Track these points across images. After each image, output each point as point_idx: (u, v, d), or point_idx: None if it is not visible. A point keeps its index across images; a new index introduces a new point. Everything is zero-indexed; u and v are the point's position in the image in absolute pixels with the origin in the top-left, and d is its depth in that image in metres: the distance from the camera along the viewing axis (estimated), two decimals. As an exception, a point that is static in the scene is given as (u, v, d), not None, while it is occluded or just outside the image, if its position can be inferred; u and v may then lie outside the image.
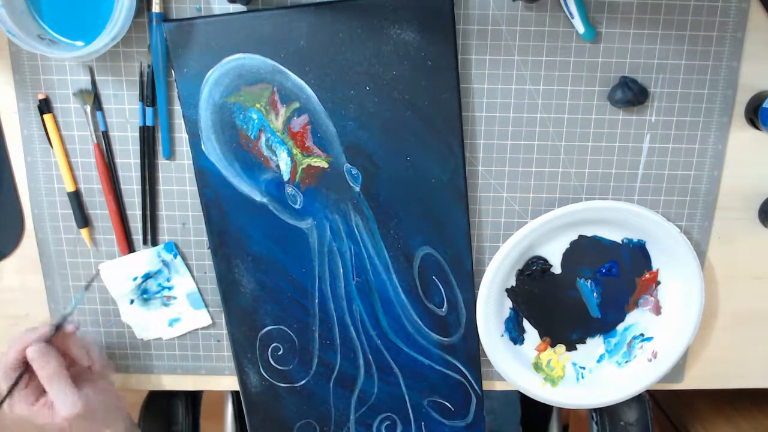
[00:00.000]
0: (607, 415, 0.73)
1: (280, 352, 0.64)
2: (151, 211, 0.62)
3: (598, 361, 0.67)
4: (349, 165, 0.58)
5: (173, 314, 0.66)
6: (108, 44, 0.53)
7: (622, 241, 0.62)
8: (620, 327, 0.66)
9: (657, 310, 0.65)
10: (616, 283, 0.64)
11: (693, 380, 0.69)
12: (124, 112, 0.59)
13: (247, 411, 0.67)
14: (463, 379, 0.65)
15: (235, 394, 0.82)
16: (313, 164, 0.58)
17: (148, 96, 0.58)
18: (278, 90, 0.56)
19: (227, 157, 0.58)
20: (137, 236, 0.63)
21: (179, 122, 0.60)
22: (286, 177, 0.59)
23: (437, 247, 0.61)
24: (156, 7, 0.55)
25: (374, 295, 0.62)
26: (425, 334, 0.64)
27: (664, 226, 0.60)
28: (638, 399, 0.72)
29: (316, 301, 0.63)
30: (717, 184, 0.61)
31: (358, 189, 0.59)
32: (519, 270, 0.63)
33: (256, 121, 0.57)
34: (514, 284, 0.64)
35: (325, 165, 0.58)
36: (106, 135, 0.60)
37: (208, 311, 0.66)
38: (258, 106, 0.56)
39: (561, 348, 0.67)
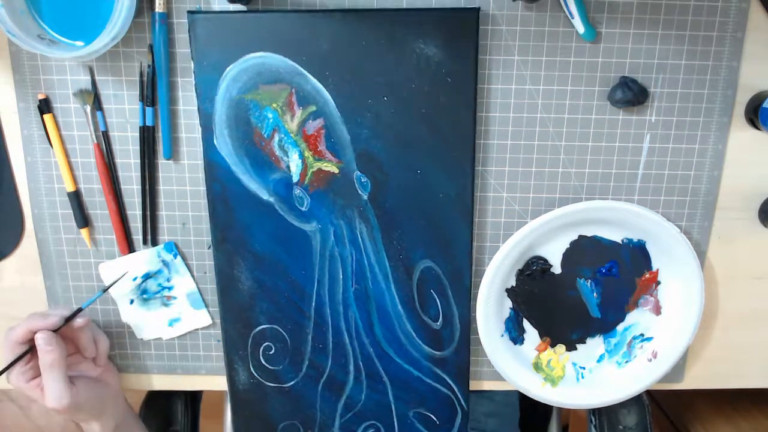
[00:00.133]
0: (606, 418, 0.73)
1: (271, 352, 0.64)
2: (151, 211, 0.62)
3: (598, 361, 0.67)
4: (359, 172, 0.58)
5: (173, 314, 0.66)
6: (108, 44, 0.53)
7: (622, 241, 0.62)
8: (620, 327, 0.66)
9: (657, 310, 0.65)
10: (616, 283, 0.64)
11: (693, 380, 0.69)
12: (124, 112, 0.59)
13: (232, 408, 0.67)
14: (450, 394, 0.66)
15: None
16: (323, 168, 0.58)
17: (148, 96, 0.58)
18: (296, 91, 0.56)
19: (238, 153, 0.58)
20: (137, 236, 0.63)
21: (180, 122, 0.60)
22: (295, 178, 0.59)
23: (438, 262, 0.61)
24: (159, 7, 0.55)
25: (371, 303, 0.62)
26: (418, 346, 0.64)
27: (664, 226, 0.60)
28: (638, 403, 0.72)
29: (313, 304, 0.63)
30: (717, 184, 0.61)
31: (365, 197, 0.59)
32: (519, 270, 0.63)
33: (271, 120, 0.57)
34: (514, 284, 0.64)
35: (336, 170, 0.58)
36: (106, 135, 0.60)
37: (208, 311, 0.66)
38: (274, 105, 0.57)
39: (561, 348, 0.67)
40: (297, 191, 0.59)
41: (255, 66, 0.56)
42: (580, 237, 0.62)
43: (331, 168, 0.58)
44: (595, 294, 0.64)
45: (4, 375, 0.56)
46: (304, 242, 0.61)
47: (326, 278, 0.62)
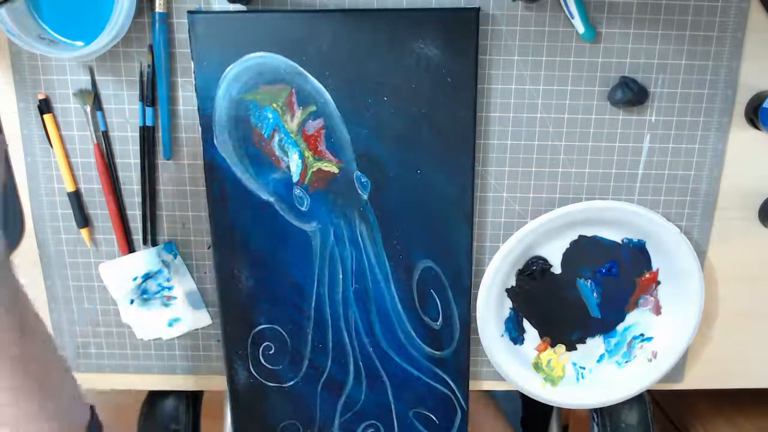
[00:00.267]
0: (608, 416, 0.73)
1: (271, 351, 0.64)
2: (151, 211, 0.62)
3: (598, 361, 0.67)
4: (359, 173, 0.58)
5: (173, 314, 0.66)
6: (108, 44, 0.53)
7: (622, 241, 0.62)
8: (620, 327, 0.66)
9: (657, 310, 0.65)
10: (616, 283, 0.64)
11: (693, 380, 0.69)
12: (124, 112, 0.59)
13: (232, 407, 0.67)
14: (450, 394, 0.66)
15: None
16: (323, 168, 0.58)
17: (148, 96, 0.58)
18: (296, 92, 0.56)
19: (238, 153, 0.58)
20: (137, 236, 0.63)
21: (180, 122, 0.60)
22: (295, 178, 0.59)
23: (438, 262, 0.61)
24: (159, 7, 0.55)
25: (371, 303, 0.63)
26: (417, 345, 0.64)
27: (664, 226, 0.60)
28: (639, 401, 0.72)
29: (313, 304, 0.63)
30: (717, 184, 0.61)
31: (365, 197, 0.59)
32: (519, 270, 0.63)
33: (271, 120, 0.57)
34: (514, 284, 0.64)
35: (336, 170, 0.58)
36: (106, 135, 0.60)
37: (208, 311, 0.66)
38: (274, 105, 0.57)
39: (561, 348, 0.67)
40: (297, 191, 0.59)
41: (255, 66, 0.56)
42: (580, 237, 0.62)
43: (331, 168, 0.58)
44: (595, 294, 0.64)
45: None
46: (304, 242, 0.61)
47: (326, 278, 0.62)
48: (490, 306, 0.63)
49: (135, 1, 0.53)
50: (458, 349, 0.64)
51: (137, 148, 0.60)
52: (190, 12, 0.55)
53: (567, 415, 0.88)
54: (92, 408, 0.52)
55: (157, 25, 0.55)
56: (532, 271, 0.63)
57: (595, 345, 0.67)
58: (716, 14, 0.56)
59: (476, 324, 0.64)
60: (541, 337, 0.66)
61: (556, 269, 0.63)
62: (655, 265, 0.64)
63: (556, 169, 0.61)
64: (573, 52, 0.57)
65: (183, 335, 0.67)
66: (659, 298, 0.65)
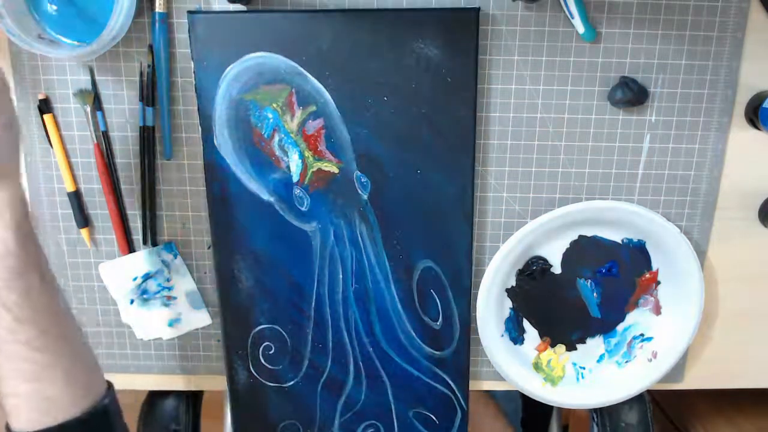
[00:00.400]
0: (608, 416, 0.73)
1: (271, 351, 0.64)
2: (151, 211, 0.62)
3: (598, 361, 0.67)
4: (359, 173, 0.58)
5: (173, 314, 0.66)
6: (108, 44, 0.53)
7: (622, 241, 0.62)
8: (620, 327, 0.66)
9: (657, 310, 0.65)
10: (616, 283, 0.64)
11: (693, 380, 0.69)
12: (124, 112, 0.59)
13: (232, 407, 0.67)
14: (450, 394, 0.66)
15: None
16: (323, 168, 0.58)
17: (148, 96, 0.58)
18: (296, 92, 0.56)
19: (238, 153, 0.58)
20: (137, 236, 0.63)
21: (180, 122, 0.60)
22: (295, 178, 0.59)
23: (438, 262, 0.61)
24: (159, 7, 0.55)
25: (371, 303, 0.63)
26: (417, 345, 0.64)
27: (664, 226, 0.60)
28: (639, 400, 0.72)
29: (313, 304, 0.63)
30: (717, 184, 0.61)
31: (366, 197, 0.59)
32: (519, 270, 0.63)
33: (271, 120, 0.57)
34: (514, 284, 0.64)
35: (336, 170, 0.58)
36: (106, 135, 0.60)
37: (208, 311, 0.66)
38: (274, 105, 0.57)
39: (561, 348, 0.67)
40: (297, 191, 0.59)
41: (255, 66, 0.56)
42: (580, 237, 0.62)
43: (331, 168, 0.58)
44: (595, 294, 0.64)
45: None
46: (304, 242, 0.61)
47: (326, 278, 0.62)
48: (490, 306, 0.63)
49: (135, 1, 0.53)
50: (458, 349, 0.64)
51: (137, 148, 0.60)
52: (190, 12, 0.55)
53: (567, 415, 0.88)
54: (110, 385, 0.53)
55: (157, 25, 0.55)
56: (532, 271, 0.63)
57: (595, 345, 0.67)
58: (716, 14, 0.56)
59: (476, 324, 0.64)
60: (541, 337, 0.66)
61: (556, 269, 0.63)
62: (655, 265, 0.64)
63: (556, 169, 0.61)
64: (573, 52, 0.57)
65: (183, 335, 0.67)
66: (659, 298, 0.65)
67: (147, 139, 0.60)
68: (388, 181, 0.59)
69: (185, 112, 0.59)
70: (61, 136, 0.60)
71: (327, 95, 0.56)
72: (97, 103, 0.59)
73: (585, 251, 0.63)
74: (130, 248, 0.64)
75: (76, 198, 0.62)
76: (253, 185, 0.59)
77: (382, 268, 0.61)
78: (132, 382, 0.69)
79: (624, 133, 0.60)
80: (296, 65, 0.55)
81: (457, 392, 0.66)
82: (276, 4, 0.56)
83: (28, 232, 0.47)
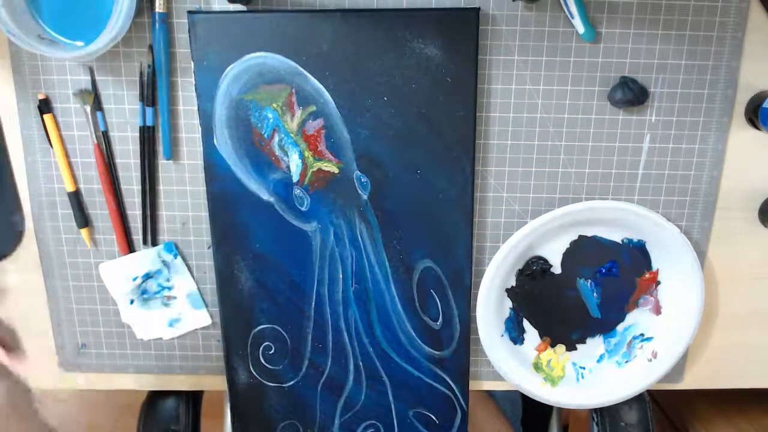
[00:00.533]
0: (608, 416, 0.73)
1: (271, 351, 0.64)
2: (151, 211, 0.62)
3: (598, 361, 0.67)
4: (359, 173, 0.58)
5: (173, 314, 0.66)
6: (108, 44, 0.53)
7: (622, 241, 0.62)
8: (620, 327, 0.66)
9: (657, 310, 0.65)
10: (616, 283, 0.64)
11: (693, 380, 0.69)
12: (124, 112, 0.59)
13: (232, 407, 0.67)
14: (450, 394, 0.66)
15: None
16: (323, 168, 0.58)
17: (148, 96, 0.58)
18: (296, 92, 0.56)
19: (238, 153, 0.58)
20: (137, 236, 0.63)
21: (180, 122, 0.60)
22: (295, 178, 0.59)
23: (438, 262, 0.61)
24: (159, 7, 0.55)
25: (371, 303, 0.63)
26: (418, 346, 0.64)
27: (664, 226, 0.60)
28: (639, 400, 0.72)
29: (313, 304, 0.63)
30: (717, 184, 0.61)
31: (366, 197, 0.59)
32: (519, 270, 0.63)
33: (271, 120, 0.57)
34: (514, 284, 0.64)
35: (336, 170, 0.58)
36: (106, 135, 0.60)
37: (208, 311, 0.66)
38: (275, 105, 0.57)
39: (561, 348, 0.67)
40: (297, 191, 0.59)
41: (255, 66, 0.56)
42: (580, 237, 0.62)
43: (331, 168, 0.58)
44: (595, 294, 0.64)
45: None
46: (304, 242, 0.61)
47: (326, 278, 0.62)
48: (490, 306, 0.63)
49: (135, 1, 0.53)
50: (458, 349, 0.64)
51: (137, 148, 0.60)
52: (190, 12, 0.55)
53: (567, 415, 0.88)
54: None
55: (157, 25, 0.56)
56: (532, 271, 0.63)
57: (595, 345, 0.67)
58: (716, 14, 0.56)
59: (476, 324, 0.64)
60: (541, 337, 0.66)
61: (556, 269, 0.63)
62: (655, 265, 0.64)
63: (556, 169, 0.61)
64: (573, 52, 0.57)
65: (183, 335, 0.67)
66: (659, 298, 0.65)
67: (147, 139, 0.60)
68: (388, 181, 0.59)
69: (185, 112, 0.59)
70: (61, 136, 0.60)
71: (327, 95, 0.56)
72: (97, 103, 0.59)
73: (585, 251, 0.63)
74: (130, 248, 0.64)
75: (76, 198, 0.62)
76: (253, 185, 0.59)
77: (382, 268, 0.61)
78: (132, 382, 0.69)
79: (624, 133, 0.60)
80: (296, 65, 0.56)
81: (457, 392, 0.66)
82: (276, 4, 0.56)
83: None
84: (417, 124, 0.57)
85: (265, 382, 0.66)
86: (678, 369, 0.68)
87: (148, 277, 0.64)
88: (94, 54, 0.53)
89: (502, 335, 0.65)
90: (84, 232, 0.63)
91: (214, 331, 0.67)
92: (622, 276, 0.64)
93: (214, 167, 0.58)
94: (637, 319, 0.66)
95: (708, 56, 0.57)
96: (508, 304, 0.65)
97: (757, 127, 0.59)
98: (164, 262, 0.64)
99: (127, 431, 0.76)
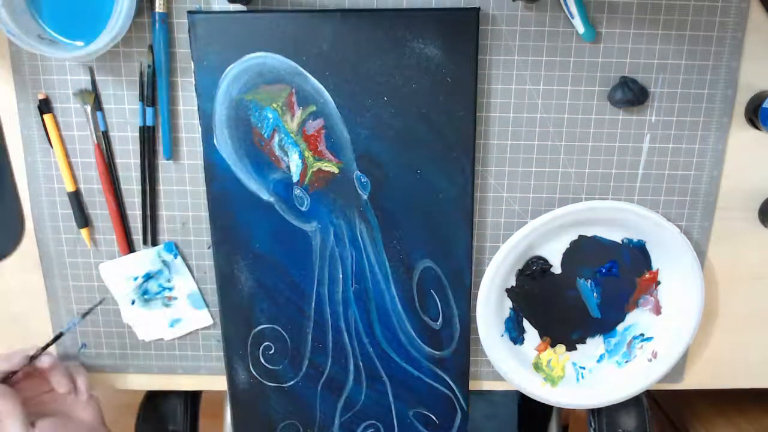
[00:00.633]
0: (606, 421, 0.73)
1: (271, 351, 0.64)
2: (151, 211, 0.62)
3: (598, 361, 0.67)
4: (359, 173, 0.58)
5: (174, 315, 0.66)
6: (108, 44, 0.53)
7: (622, 241, 0.62)
8: (620, 327, 0.66)
9: (657, 310, 0.65)
10: (616, 283, 0.64)
11: (693, 380, 0.69)
12: (124, 112, 0.59)
13: (232, 407, 0.67)
14: (450, 394, 0.66)
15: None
16: (323, 168, 0.58)
17: (148, 96, 0.58)
18: (296, 92, 0.56)
19: (238, 153, 0.58)
20: (137, 236, 0.63)
21: (180, 122, 0.60)
22: (295, 178, 0.59)
23: (438, 262, 0.61)
24: (159, 7, 0.55)
25: (371, 303, 0.63)
26: (418, 346, 0.64)
27: (664, 226, 0.60)
28: (638, 406, 0.72)
29: (313, 304, 0.63)
30: (717, 184, 0.61)
31: (366, 197, 0.59)
32: (519, 270, 0.63)
33: (271, 120, 0.57)
34: (514, 284, 0.64)
35: (336, 170, 0.58)
36: (106, 135, 0.60)
37: (209, 311, 0.66)
38: (274, 105, 0.57)
39: (561, 348, 0.67)
40: (297, 191, 0.59)
41: (255, 66, 0.56)
42: (580, 237, 0.62)
43: (331, 168, 0.58)
44: (595, 294, 0.64)
45: None
46: (304, 242, 0.61)
47: (326, 278, 0.62)
48: (490, 306, 0.63)
49: (135, 1, 0.53)
50: (458, 349, 0.64)
51: (137, 148, 0.60)
52: (190, 12, 0.55)
53: (567, 415, 0.88)
54: None
55: (157, 25, 0.56)
56: (532, 271, 0.63)
57: (595, 345, 0.67)
58: (716, 14, 0.56)
59: (476, 324, 0.64)
60: (541, 337, 0.66)
61: (556, 269, 0.63)
62: (655, 265, 0.64)
63: (556, 169, 0.61)
64: (573, 52, 0.57)
65: (183, 335, 0.67)
66: (659, 298, 0.65)
67: (147, 139, 0.60)
68: (388, 181, 0.59)
69: (185, 112, 0.59)
70: (61, 136, 0.60)
71: (327, 95, 0.56)
72: (97, 103, 0.59)
73: (585, 251, 0.63)
74: (130, 248, 0.64)
75: (76, 198, 0.62)
76: (253, 185, 0.59)
77: (382, 268, 0.61)
78: (132, 382, 0.69)
79: (624, 133, 0.60)
80: (296, 65, 0.56)
81: (457, 392, 0.66)
82: (276, 4, 0.56)
83: None
84: (417, 124, 0.57)
85: (265, 382, 0.66)
86: (678, 369, 0.68)
87: (148, 277, 0.64)
88: (94, 54, 0.53)
89: (502, 335, 0.65)
90: (84, 232, 0.63)
91: (214, 331, 0.67)
92: (622, 276, 0.64)
93: (214, 167, 0.58)
94: (637, 319, 0.66)
95: (708, 56, 0.57)
96: (508, 304, 0.65)
97: (757, 127, 0.59)
98: (164, 262, 0.64)
99: (126, 431, 0.76)
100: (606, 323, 0.66)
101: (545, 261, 0.63)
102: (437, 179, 0.59)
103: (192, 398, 0.78)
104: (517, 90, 0.58)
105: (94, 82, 0.59)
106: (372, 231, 0.60)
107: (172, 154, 0.60)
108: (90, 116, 0.59)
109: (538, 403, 0.68)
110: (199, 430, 0.81)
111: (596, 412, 0.74)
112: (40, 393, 0.61)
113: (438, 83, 0.56)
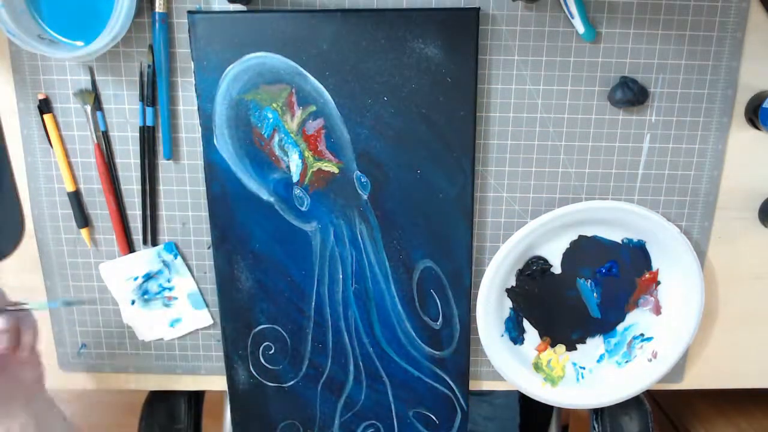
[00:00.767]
0: (609, 425, 0.73)
1: (271, 352, 0.64)
2: (151, 211, 0.62)
3: (598, 361, 0.67)
4: (359, 172, 0.58)
5: (174, 314, 0.66)
6: (108, 44, 0.53)
7: (622, 241, 0.62)
8: (620, 327, 0.66)
9: (657, 310, 0.65)
10: (616, 283, 0.64)
11: (693, 380, 0.69)
12: (124, 112, 0.59)
13: (232, 407, 0.67)
14: (450, 394, 0.66)
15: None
16: (323, 168, 0.58)
17: (148, 96, 0.58)
18: (296, 92, 0.56)
19: (238, 153, 0.58)
20: (137, 236, 0.63)
21: (180, 122, 0.60)
22: (295, 178, 0.59)
23: (438, 262, 0.61)
24: (159, 7, 0.55)
25: (371, 303, 0.63)
26: (417, 345, 0.64)
27: (664, 226, 0.60)
28: (640, 409, 0.72)
29: (313, 304, 0.63)
30: (717, 184, 0.61)
31: (365, 197, 0.59)
32: (519, 270, 0.63)
33: (271, 120, 0.57)
34: (514, 284, 0.64)
35: (336, 170, 0.58)
36: (106, 135, 0.60)
37: (209, 311, 0.66)
38: (274, 105, 0.57)
39: (561, 348, 0.67)
40: (297, 191, 0.59)
41: (255, 66, 0.56)
42: (580, 237, 0.62)
43: (331, 168, 0.58)
44: (595, 294, 0.64)
45: None
46: (304, 242, 0.61)
47: (326, 278, 0.62)
48: (490, 306, 0.63)
49: (135, 1, 0.53)
50: (458, 349, 0.64)
51: (137, 148, 0.60)
52: (190, 12, 0.55)
53: (567, 415, 0.88)
54: None
55: (157, 25, 0.56)
56: (532, 271, 0.63)
57: (595, 345, 0.67)
58: (716, 14, 0.56)
59: (476, 324, 0.64)
60: (541, 337, 0.66)
61: (556, 269, 0.63)
62: (655, 265, 0.64)
63: (556, 169, 0.61)
64: (573, 52, 0.57)
65: (183, 335, 0.67)
66: (659, 298, 0.65)
67: (147, 139, 0.60)
68: (388, 180, 0.59)
69: (185, 112, 0.59)
70: (61, 136, 0.60)
71: (327, 95, 0.56)
72: (97, 103, 0.59)
73: (585, 251, 0.63)
74: (130, 248, 0.64)
75: (76, 198, 0.62)
76: (253, 185, 0.59)
77: (382, 267, 0.61)
78: (132, 382, 0.69)
79: (624, 133, 0.60)
80: (296, 65, 0.56)
81: (457, 392, 0.66)
82: (276, 4, 0.56)
83: None
84: (417, 123, 0.57)
85: (265, 382, 0.66)
86: (678, 369, 0.68)
87: (148, 277, 0.64)
88: (94, 54, 0.53)
89: (502, 335, 0.65)
90: (84, 232, 0.63)
91: (214, 331, 0.67)
92: (622, 276, 0.63)
93: (214, 167, 0.58)
94: (637, 319, 0.66)
95: (708, 56, 0.57)
96: (508, 304, 0.65)
97: (757, 127, 0.59)
98: (164, 263, 0.64)
99: (129, 431, 0.77)
100: (606, 323, 0.66)
101: (545, 261, 0.63)
102: (437, 179, 0.59)
103: (195, 398, 0.78)
104: (517, 90, 0.58)
105: (94, 82, 0.59)
106: (372, 231, 0.60)
107: (172, 154, 0.60)
108: (90, 116, 0.59)
109: (539, 403, 0.68)
110: (202, 429, 0.81)
111: (599, 415, 0.74)
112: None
113: (438, 83, 0.56)
